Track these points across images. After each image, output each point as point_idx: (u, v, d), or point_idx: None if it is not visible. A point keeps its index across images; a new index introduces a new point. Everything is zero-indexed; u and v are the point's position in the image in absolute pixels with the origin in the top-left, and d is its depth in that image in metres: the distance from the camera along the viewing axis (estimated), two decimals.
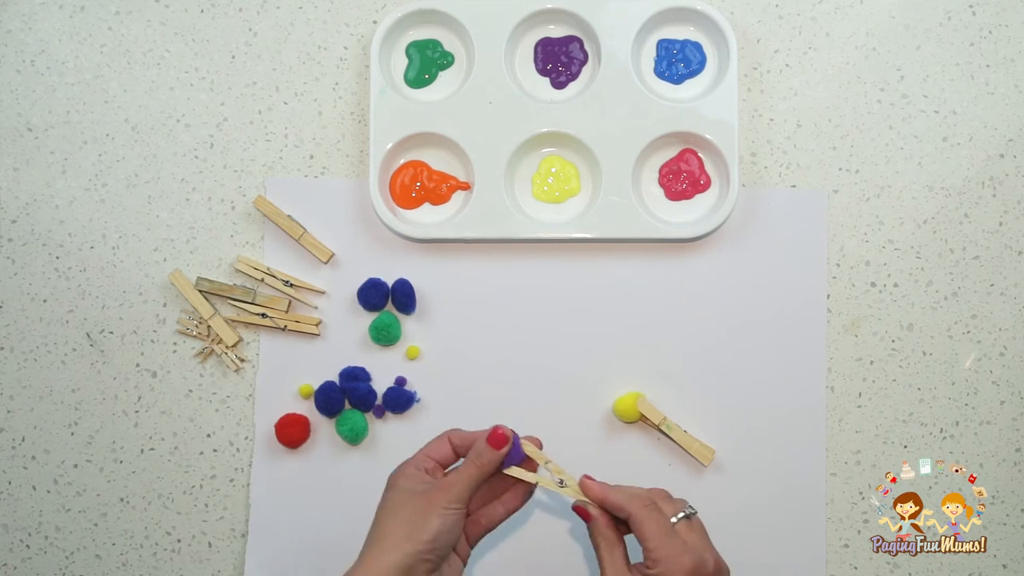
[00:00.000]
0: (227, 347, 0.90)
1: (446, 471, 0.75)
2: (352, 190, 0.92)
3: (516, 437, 0.74)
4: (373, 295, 0.89)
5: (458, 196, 0.91)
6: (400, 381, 0.90)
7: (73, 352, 0.92)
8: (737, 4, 0.93)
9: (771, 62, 0.93)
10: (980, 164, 0.92)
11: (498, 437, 0.73)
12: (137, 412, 0.91)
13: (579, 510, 0.73)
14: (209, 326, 0.91)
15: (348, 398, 0.90)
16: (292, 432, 0.89)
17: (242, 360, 0.91)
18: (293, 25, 0.93)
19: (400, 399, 0.89)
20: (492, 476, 0.74)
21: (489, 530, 0.76)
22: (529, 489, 0.76)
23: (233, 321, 0.91)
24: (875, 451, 0.90)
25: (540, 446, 0.75)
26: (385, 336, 0.89)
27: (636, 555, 0.71)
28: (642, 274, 0.91)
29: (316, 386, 0.90)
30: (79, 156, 0.93)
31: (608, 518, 0.72)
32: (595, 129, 0.90)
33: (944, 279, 0.91)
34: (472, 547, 0.75)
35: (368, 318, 0.91)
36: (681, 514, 0.71)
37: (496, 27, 0.90)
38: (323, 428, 0.90)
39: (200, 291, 0.91)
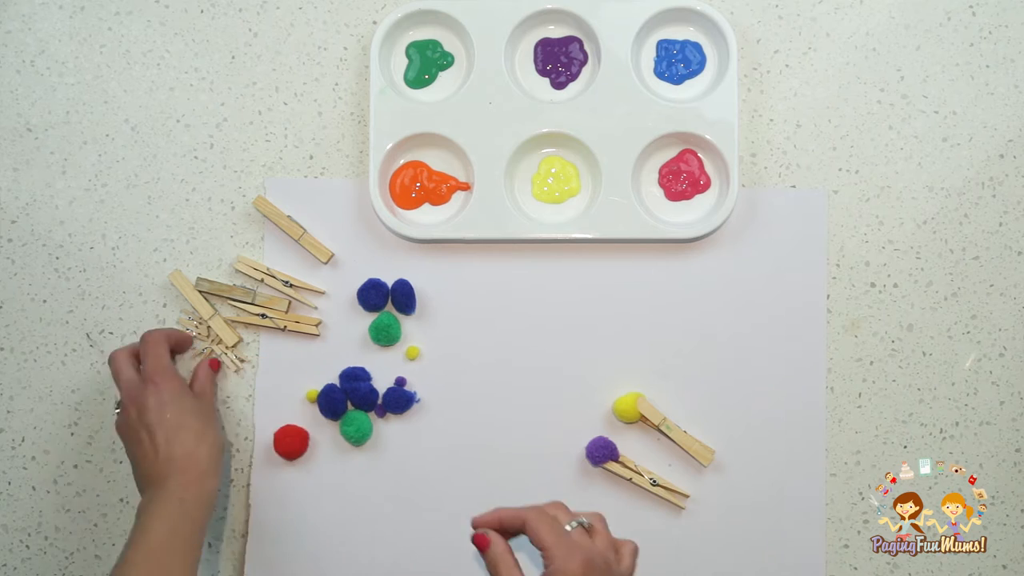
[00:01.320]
0: (227, 347, 0.90)
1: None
2: (352, 190, 0.92)
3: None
4: (373, 295, 0.89)
5: (458, 196, 0.91)
6: (400, 381, 0.90)
7: (73, 352, 0.92)
8: (737, 4, 0.93)
9: (771, 62, 0.93)
10: (980, 164, 0.92)
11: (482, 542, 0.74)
12: None
13: (478, 539, 0.73)
14: (209, 326, 0.91)
15: (350, 398, 0.90)
16: (290, 444, 0.89)
17: (242, 360, 0.91)
18: (293, 26, 0.93)
19: (400, 399, 0.89)
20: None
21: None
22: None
23: (233, 321, 0.91)
24: (875, 451, 0.90)
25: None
26: (385, 336, 0.89)
27: None
28: (642, 274, 0.91)
29: (318, 388, 0.90)
30: (79, 156, 0.93)
31: (504, 542, 0.73)
32: (595, 129, 0.90)
33: (944, 279, 0.91)
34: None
35: (368, 319, 0.91)
36: (575, 523, 0.73)
37: (496, 27, 0.90)
38: (324, 428, 0.90)
39: (200, 291, 0.91)
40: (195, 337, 0.91)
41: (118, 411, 0.85)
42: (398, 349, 0.91)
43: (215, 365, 0.89)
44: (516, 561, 0.73)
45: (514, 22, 0.90)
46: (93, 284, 0.92)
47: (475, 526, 0.75)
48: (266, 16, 0.93)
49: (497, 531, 0.74)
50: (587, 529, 0.74)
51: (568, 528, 0.73)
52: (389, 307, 0.91)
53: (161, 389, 0.83)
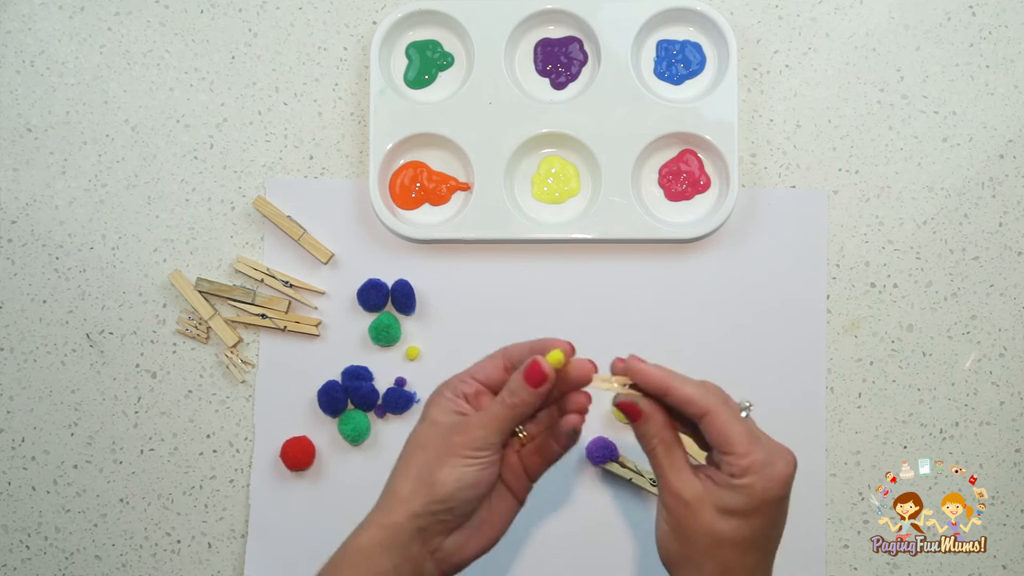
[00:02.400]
0: (229, 350, 0.90)
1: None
2: (352, 191, 0.92)
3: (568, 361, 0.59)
4: (373, 296, 0.89)
5: (458, 197, 0.91)
6: (400, 382, 0.90)
7: (73, 353, 0.92)
8: (737, 4, 0.93)
9: (771, 63, 0.93)
10: (980, 165, 0.92)
11: (535, 373, 0.58)
12: (137, 413, 0.91)
13: (627, 406, 0.59)
14: (209, 327, 0.91)
15: (351, 397, 0.90)
16: (296, 457, 0.89)
17: (249, 365, 0.90)
18: (293, 26, 0.93)
19: (400, 400, 0.89)
20: (534, 414, 0.61)
21: (550, 464, 0.63)
22: (576, 427, 0.62)
23: (233, 322, 0.91)
24: (875, 452, 0.90)
25: (595, 369, 0.62)
26: (385, 337, 0.89)
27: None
28: (642, 274, 0.91)
29: (318, 387, 0.90)
30: (79, 157, 0.93)
31: (665, 416, 0.59)
32: (595, 129, 0.90)
33: (944, 280, 0.91)
34: (534, 481, 0.63)
35: (368, 319, 0.91)
36: (745, 411, 0.61)
37: (496, 28, 0.90)
38: (323, 428, 0.90)
39: (200, 292, 0.91)
40: (195, 337, 0.91)
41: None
42: (398, 349, 0.91)
43: (629, 411, 0.62)
44: (678, 438, 0.59)
45: (514, 22, 0.90)
46: (93, 284, 0.92)
47: (631, 377, 0.59)
48: (266, 16, 0.93)
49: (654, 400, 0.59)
50: (750, 414, 0.61)
51: (744, 416, 0.60)
52: (389, 307, 0.91)
53: (430, 404, 0.64)
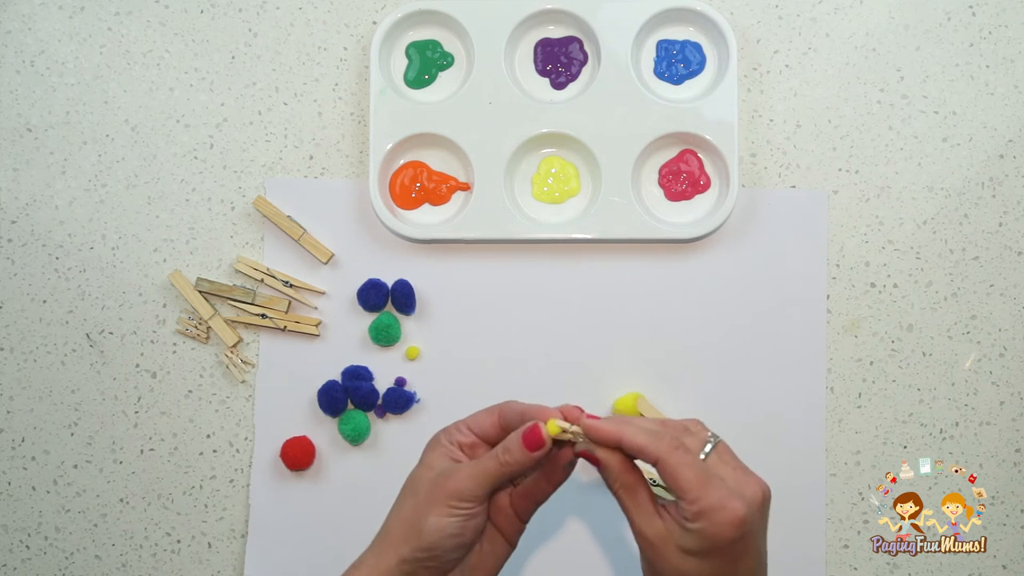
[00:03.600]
0: (229, 350, 0.90)
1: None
2: (352, 191, 0.92)
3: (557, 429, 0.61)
4: (373, 295, 0.89)
5: (458, 196, 0.91)
6: (400, 382, 0.90)
7: (73, 352, 0.92)
8: (737, 4, 0.93)
9: (771, 63, 0.93)
10: (980, 164, 0.92)
11: (534, 438, 0.60)
12: (137, 413, 0.91)
13: (586, 455, 0.61)
14: (209, 327, 0.91)
15: (351, 397, 0.90)
16: (296, 457, 0.89)
17: (249, 365, 0.90)
18: (293, 26, 0.93)
19: (400, 400, 0.89)
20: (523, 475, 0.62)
21: (540, 504, 0.64)
22: (572, 459, 0.63)
23: (233, 322, 0.91)
24: (875, 452, 0.90)
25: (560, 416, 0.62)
26: (385, 337, 0.89)
27: None
28: (642, 274, 0.91)
29: (318, 387, 0.90)
30: (79, 157, 0.93)
31: (622, 460, 0.60)
32: (595, 129, 0.90)
33: (944, 280, 0.91)
34: (525, 522, 0.64)
35: (368, 319, 0.91)
36: (708, 446, 0.60)
37: (496, 27, 0.90)
38: (323, 428, 0.90)
39: (200, 292, 0.91)
40: (195, 337, 0.91)
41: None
42: (398, 349, 0.91)
43: (588, 459, 0.63)
44: (641, 478, 0.60)
45: (514, 22, 0.90)
46: (93, 284, 0.92)
47: (589, 434, 0.60)
48: (266, 16, 0.93)
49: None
50: (717, 447, 0.61)
51: (703, 457, 0.60)
52: (389, 307, 0.91)
53: (427, 450, 0.66)
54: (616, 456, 0.61)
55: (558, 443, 0.62)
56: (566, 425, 0.61)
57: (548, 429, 0.61)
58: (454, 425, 0.64)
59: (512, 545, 0.64)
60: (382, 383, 0.90)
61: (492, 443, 0.63)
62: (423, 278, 0.91)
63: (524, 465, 0.61)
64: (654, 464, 0.59)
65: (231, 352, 0.90)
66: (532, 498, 0.64)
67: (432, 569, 0.61)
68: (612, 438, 0.60)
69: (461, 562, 0.62)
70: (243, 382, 0.91)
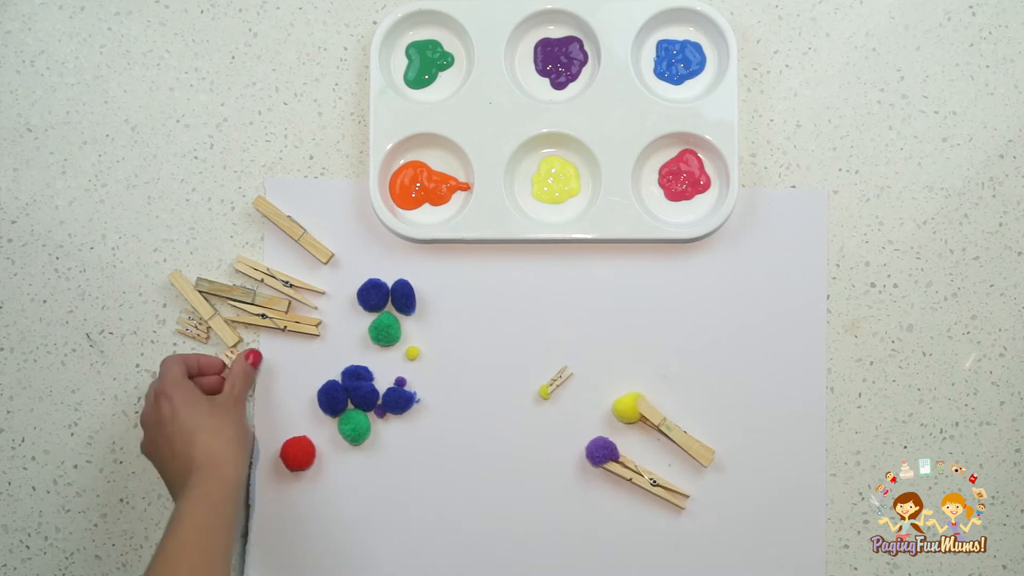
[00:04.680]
0: (229, 350, 0.90)
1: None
2: (352, 191, 0.92)
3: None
4: (373, 296, 0.89)
5: (458, 196, 0.91)
6: (400, 381, 0.90)
7: (73, 352, 0.92)
8: (737, 4, 0.93)
9: (771, 62, 0.93)
10: (980, 164, 0.92)
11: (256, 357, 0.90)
12: (137, 412, 0.91)
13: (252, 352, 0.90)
14: (209, 327, 0.91)
15: (351, 397, 0.90)
16: (296, 458, 0.89)
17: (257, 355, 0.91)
18: (293, 25, 0.93)
19: (400, 399, 0.89)
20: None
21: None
22: None
23: (233, 321, 0.91)
24: (875, 452, 0.90)
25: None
26: (385, 337, 0.89)
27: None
28: (642, 274, 0.91)
29: (318, 387, 0.90)
30: (79, 156, 0.93)
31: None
32: (595, 129, 0.90)
33: (944, 280, 0.91)
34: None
35: (368, 319, 0.91)
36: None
37: (496, 27, 0.90)
38: (323, 428, 0.90)
39: (200, 291, 0.91)
40: (195, 337, 0.91)
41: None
42: (398, 349, 0.91)
43: (253, 358, 0.90)
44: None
45: (514, 22, 0.90)
46: (93, 284, 0.92)
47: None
48: (266, 16, 0.93)
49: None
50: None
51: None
52: (389, 307, 0.91)
53: (172, 398, 0.83)
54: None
55: None
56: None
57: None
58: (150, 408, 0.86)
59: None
60: (382, 383, 0.90)
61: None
62: (423, 278, 0.91)
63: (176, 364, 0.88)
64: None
65: (231, 352, 0.90)
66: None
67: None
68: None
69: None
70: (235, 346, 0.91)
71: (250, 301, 0.91)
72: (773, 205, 0.91)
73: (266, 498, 0.90)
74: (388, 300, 0.90)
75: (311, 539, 0.90)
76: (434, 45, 0.92)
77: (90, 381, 0.92)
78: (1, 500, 0.91)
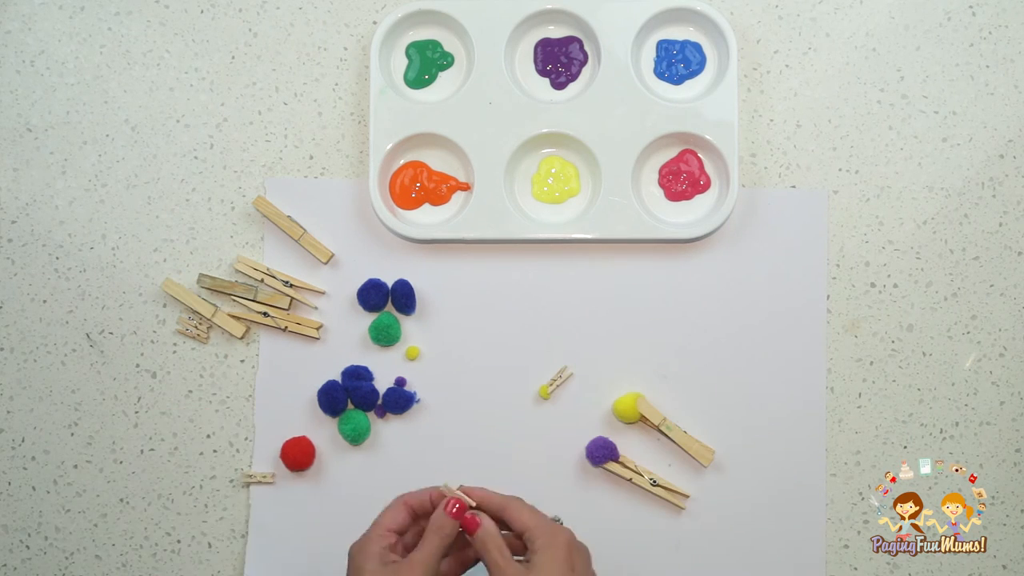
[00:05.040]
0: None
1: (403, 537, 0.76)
2: (352, 191, 0.92)
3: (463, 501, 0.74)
4: (373, 295, 0.89)
5: (458, 196, 0.91)
6: (400, 382, 0.90)
7: (73, 353, 0.92)
8: (737, 4, 0.93)
9: (771, 62, 0.93)
10: (980, 165, 0.92)
11: (460, 506, 0.73)
12: (137, 413, 0.91)
13: (469, 520, 0.73)
14: (209, 327, 0.91)
15: (351, 397, 0.90)
16: (296, 458, 0.89)
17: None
18: (293, 26, 0.93)
19: (400, 400, 0.89)
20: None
21: (467, 567, 0.77)
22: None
23: (236, 318, 0.91)
24: (875, 452, 0.90)
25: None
26: (385, 337, 0.89)
27: None
28: (642, 274, 0.91)
29: (318, 387, 0.90)
30: (79, 157, 0.93)
31: (493, 523, 0.73)
32: (595, 129, 0.90)
33: (944, 280, 0.91)
34: None
35: (368, 319, 0.91)
36: (550, 516, 0.75)
37: (496, 27, 0.90)
38: (323, 428, 0.90)
39: (202, 287, 0.91)
40: (195, 337, 0.91)
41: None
42: (398, 349, 0.91)
43: (457, 511, 0.74)
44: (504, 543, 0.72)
45: (514, 22, 0.90)
46: (93, 284, 0.92)
47: (471, 494, 0.74)
48: (266, 16, 0.93)
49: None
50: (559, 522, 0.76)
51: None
52: (389, 307, 0.91)
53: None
54: (490, 520, 0.73)
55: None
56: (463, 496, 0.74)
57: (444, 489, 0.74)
58: (372, 533, 0.74)
59: None
60: (382, 383, 0.90)
61: (403, 533, 0.75)
62: (423, 278, 0.91)
63: (456, 532, 0.73)
64: (502, 512, 0.74)
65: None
66: (463, 565, 0.77)
67: None
68: (482, 498, 0.75)
69: None
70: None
71: (252, 298, 0.90)
72: (773, 205, 0.91)
73: (266, 498, 0.90)
74: (388, 300, 0.90)
75: (311, 539, 0.90)
76: (434, 45, 0.92)
77: (90, 381, 0.92)
78: (1, 500, 0.91)
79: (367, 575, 0.71)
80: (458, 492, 0.74)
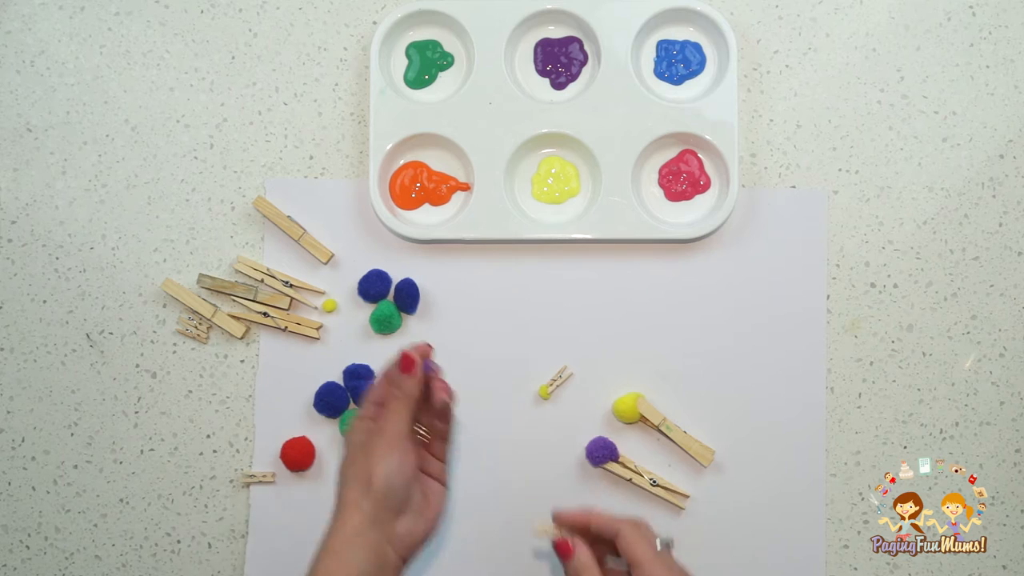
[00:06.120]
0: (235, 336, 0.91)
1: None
2: (352, 191, 0.92)
3: (428, 361, 0.75)
4: (377, 284, 0.89)
5: (458, 197, 0.91)
6: None
7: (73, 353, 0.92)
8: (737, 4, 0.93)
9: (771, 63, 0.93)
10: (980, 165, 0.92)
11: (406, 362, 0.74)
12: (137, 413, 0.91)
13: (561, 545, 0.73)
14: (209, 327, 0.91)
15: (352, 397, 0.90)
16: (297, 458, 0.89)
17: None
18: (293, 26, 0.93)
19: None
20: (420, 398, 0.75)
21: (446, 440, 0.78)
22: (444, 399, 0.76)
23: (235, 318, 0.91)
24: (875, 451, 0.90)
25: (432, 350, 0.77)
26: (387, 326, 0.89)
27: None
28: (642, 274, 0.91)
29: (318, 387, 0.90)
30: (79, 157, 0.93)
31: (590, 552, 0.73)
32: (595, 130, 0.90)
33: (944, 280, 0.91)
34: (444, 461, 0.78)
35: (368, 311, 0.90)
36: (660, 540, 0.74)
37: (496, 28, 0.90)
38: (323, 427, 0.90)
39: (202, 287, 0.91)
40: (195, 337, 0.91)
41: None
42: (398, 348, 0.90)
43: (561, 550, 0.75)
44: (600, 571, 0.72)
45: (514, 22, 0.90)
46: (93, 284, 0.92)
47: (558, 522, 0.74)
48: (266, 16, 0.93)
49: (581, 534, 0.74)
50: (670, 548, 0.75)
51: (659, 547, 0.73)
52: (389, 298, 0.91)
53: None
54: (585, 550, 0.73)
55: (431, 392, 0.76)
56: (543, 528, 0.75)
57: (536, 530, 0.77)
58: (360, 407, 0.76)
59: (444, 485, 0.77)
60: None
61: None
62: (423, 278, 0.91)
63: (415, 388, 0.74)
64: (615, 536, 0.73)
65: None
66: (439, 436, 0.78)
67: (390, 510, 0.71)
68: (581, 520, 0.75)
69: (410, 503, 0.73)
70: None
71: (252, 298, 0.90)
72: (773, 205, 0.91)
73: (266, 498, 0.90)
74: (389, 291, 0.90)
75: (311, 539, 0.90)
76: (434, 45, 0.92)
77: (90, 381, 0.92)
78: (1, 500, 0.91)
79: (349, 446, 0.74)
80: (541, 528, 0.75)
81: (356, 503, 0.71)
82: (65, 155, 0.93)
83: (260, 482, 0.90)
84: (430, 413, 0.78)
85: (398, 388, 0.74)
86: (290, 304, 0.91)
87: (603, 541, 0.75)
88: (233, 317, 0.91)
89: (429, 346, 0.77)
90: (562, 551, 0.73)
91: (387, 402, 0.74)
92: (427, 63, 0.92)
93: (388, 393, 0.74)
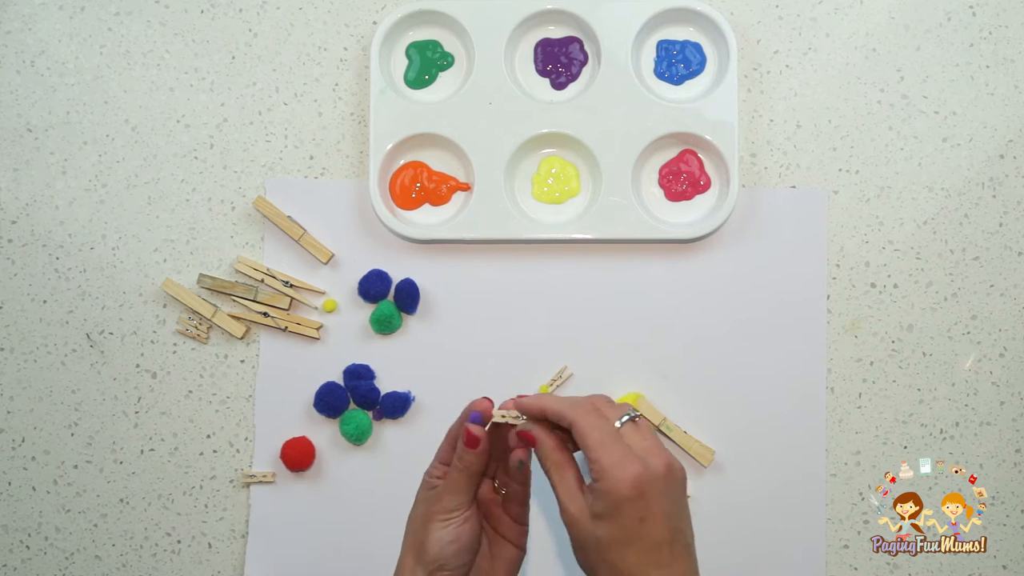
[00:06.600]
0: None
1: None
2: (352, 191, 0.92)
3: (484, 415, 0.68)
4: (377, 284, 0.89)
5: (458, 197, 0.91)
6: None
7: (73, 353, 0.92)
8: (737, 5, 0.93)
9: (771, 63, 0.93)
10: (980, 165, 0.92)
11: (468, 437, 0.68)
12: (137, 413, 0.91)
13: (523, 435, 0.66)
14: (209, 327, 0.91)
15: (352, 397, 0.90)
16: (297, 458, 0.89)
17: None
18: (293, 26, 0.93)
19: (396, 402, 0.89)
20: (485, 467, 0.69)
21: (525, 503, 0.70)
22: (521, 458, 0.69)
23: (236, 318, 0.91)
24: (875, 451, 0.90)
25: (491, 407, 0.69)
26: (387, 326, 0.89)
27: None
28: (642, 274, 0.91)
29: (318, 387, 0.90)
30: (79, 157, 0.93)
31: (555, 439, 0.65)
32: (595, 130, 0.90)
33: (944, 280, 0.91)
34: (522, 524, 0.70)
35: (368, 313, 0.90)
36: (625, 416, 0.64)
37: (496, 28, 0.90)
38: (324, 427, 0.90)
39: (202, 287, 0.91)
40: (195, 337, 0.91)
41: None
42: (398, 349, 0.90)
43: (525, 440, 0.67)
44: (570, 459, 0.65)
45: (514, 22, 0.90)
46: (93, 284, 0.92)
47: (520, 408, 0.67)
48: (266, 16, 0.93)
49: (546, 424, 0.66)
50: (635, 421, 0.64)
51: (618, 424, 0.63)
52: (389, 298, 0.91)
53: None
54: (549, 436, 0.66)
55: (500, 434, 0.69)
56: (501, 412, 0.68)
57: (485, 420, 0.68)
58: (429, 467, 0.71)
59: (520, 548, 0.70)
60: (384, 380, 0.90)
61: None
62: (423, 278, 0.91)
63: (478, 461, 0.68)
64: (570, 428, 0.64)
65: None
66: (516, 499, 0.70)
67: None
68: (536, 407, 0.66)
69: (473, 568, 0.68)
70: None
71: (252, 298, 0.90)
72: (773, 205, 0.91)
73: (266, 498, 0.90)
74: (389, 291, 0.90)
75: (311, 539, 0.90)
76: (434, 45, 0.92)
77: (90, 381, 0.92)
78: (1, 500, 0.91)
79: (414, 507, 0.69)
80: (499, 412, 0.68)
81: (411, 570, 0.68)
82: (65, 155, 0.93)
83: (260, 482, 0.90)
84: (506, 472, 0.70)
85: (459, 460, 0.68)
86: (290, 304, 0.91)
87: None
88: (233, 317, 0.91)
89: (489, 400, 0.69)
90: (525, 439, 0.66)
91: (450, 470, 0.69)
92: (427, 63, 0.92)
93: (454, 458, 0.69)
